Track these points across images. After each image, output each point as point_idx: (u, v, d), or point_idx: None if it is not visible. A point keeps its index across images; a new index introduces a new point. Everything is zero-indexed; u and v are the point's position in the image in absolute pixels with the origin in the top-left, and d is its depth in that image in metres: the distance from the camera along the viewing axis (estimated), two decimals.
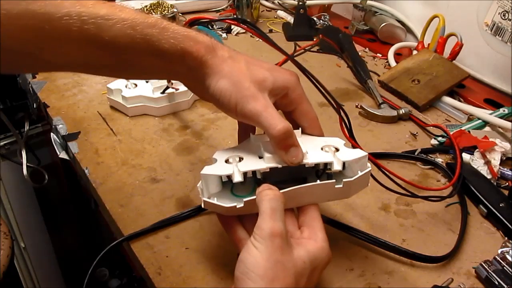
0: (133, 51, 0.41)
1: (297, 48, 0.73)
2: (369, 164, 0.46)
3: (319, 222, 0.44)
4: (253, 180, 0.47)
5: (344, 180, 0.44)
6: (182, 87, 0.76)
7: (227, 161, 0.45)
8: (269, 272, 0.37)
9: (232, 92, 0.43)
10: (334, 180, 0.45)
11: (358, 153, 0.46)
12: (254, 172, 0.44)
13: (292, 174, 0.47)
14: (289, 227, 0.43)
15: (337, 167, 0.45)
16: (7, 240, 0.96)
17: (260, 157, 0.46)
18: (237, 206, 0.43)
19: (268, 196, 0.41)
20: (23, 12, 0.35)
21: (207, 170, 0.44)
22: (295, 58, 0.52)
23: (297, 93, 0.47)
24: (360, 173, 0.45)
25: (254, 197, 0.42)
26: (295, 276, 0.38)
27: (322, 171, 0.47)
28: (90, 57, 0.40)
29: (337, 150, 0.47)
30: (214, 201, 0.43)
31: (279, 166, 0.44)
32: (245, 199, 0.42)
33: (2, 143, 1.19)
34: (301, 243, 0.41)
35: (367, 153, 0.46)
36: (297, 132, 0.47)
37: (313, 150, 0.46)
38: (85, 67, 0.43)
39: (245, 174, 0.44)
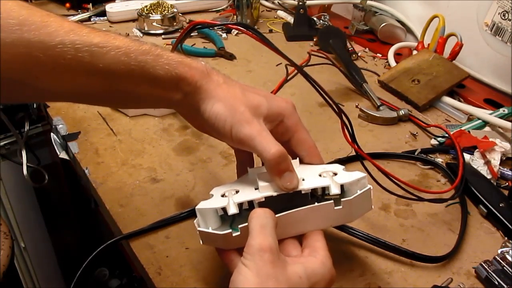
0: (128, 79, 0.41)
1: (289, 71, 0.73)
2: (370, 185, 0.44)
3: (321, 243, 0.42)
4: None
5: (342, 200, 0.43)
6: None
7: (223, 195, 0.45)
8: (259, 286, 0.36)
9: (228, 116, 0.43)
10: (332, 201, 0.43)
11: (356, 175, 0.44)
12: (252, 205, 0.43)
13: (290, 203, 0.45)
14: (291, 252, 0.42)
15: (334, 190, 0.43)
16: (7, 240, 0.96)
17: (257, 189, 0.44)
18: (233, 234, 0.41)
19: (256, 214, 0.40)
20: (17, 41, 0.36)
21: (202, 204, 0.43)
22: (290, 59, 0.51)
23: (293, 120, 0.47)
24: (359, 192, 0.43)
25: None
26: None
27: (321, 197, 0.46)
28: (85, 85, 0.40)
29: (335, 174, 0.45)
30: (209, 229, 0.42)
31: (274, 194, 0.43)
32: (240, 226, 0.41)
33: (2, 143, 1.19)
34: (299, 261, 0.40)
35: (365, 174, 0.45)
36: (295, 162, 0.46)
37: (311, 177, 0.45)
38: (81, 96, 0.43)
39: (241, 206, 0.42)
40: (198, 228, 0.43)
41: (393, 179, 0.54)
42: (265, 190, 0.43)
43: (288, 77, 0.73)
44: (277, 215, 0.42)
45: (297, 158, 0.47)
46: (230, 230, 0.41)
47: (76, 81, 0.40)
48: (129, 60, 0.40)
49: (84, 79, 0.40)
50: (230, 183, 0.47)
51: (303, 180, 0.44)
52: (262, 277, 0.36)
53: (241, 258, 0.38)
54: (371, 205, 0.46)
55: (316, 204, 0.43)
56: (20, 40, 0.36)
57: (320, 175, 0.45)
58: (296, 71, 0.72)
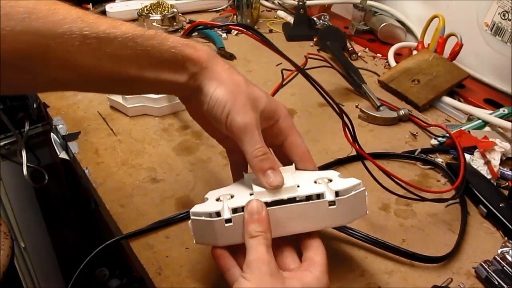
0: (135, 63, 0.42)
1: (285, 76, 0.74)
2: (364, 188, 0.45)
3: (321, 257, 0.42)
4: None
5: (337, 198, 0.43)
6: None
7: (218, 199, 0.45)
8: None
9: (228, 101, 0.43)
10: (326, 199, 0.43)
11: (352, 182, 0.44)
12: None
13: None
14: (290, 266, 0.43)
15: (329, 197, 0.43)
16: (7, 240, 0.96)
17: (252, 194, 0.45)
18: (226, 224, 0.42)
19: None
20: (26, 29, 0.36)
21: (196, 208, 0.44)
22: (291, 59, 0.51)
23: (287, 123, 0.48)
24: (353, 192, 0.43)
25: (242, 213, 0.42)
26: None
27: None
28: (94, 71, 0.41)
29: (330, 181, 0.45)
30: (202, 217, 0.42)
31: (269, 200, 0.43)
32: (234, 215, 0.42)
33: (2, 143, 1.19)
34: (296, 275, 0.41)
35: (360, 181, 0.45)
36: (291, 168, 0.47)
37: (306, 183, 0.45)
38: (90, 83, 0.44)
39: (235, 211, 0.43)
40: (192, 217, 0.43)
41: (395, 178, 0.54)
42: (259, 196, 0.43)
43: (284, 82, 0.73)
44: (271, 208, 0.42)
45: (293, 164, 0.48)
46: (223, 217, 0.42)
47: (85, 67, 0.40)
48: (136, 46, 0.41)
49: (93, 65, 0.40)
50: (225, 188, 0.47)
51: (298, 186, 0.44)
52: None
53: (241, 273, 0.39)
54: (366, 209, 0.45)
55: (310, 201, 0.43)
56: (29, 28, 0.36)
57: (315, 182, 0.45)
58: (295, 72, 0.73)
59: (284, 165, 0.49)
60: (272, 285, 0.38)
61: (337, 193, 0.43)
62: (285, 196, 0.43)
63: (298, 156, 0.48)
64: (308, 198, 0.44)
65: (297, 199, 0.43)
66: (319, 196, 0.44)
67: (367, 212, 0.46)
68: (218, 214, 0.42)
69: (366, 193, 0.45)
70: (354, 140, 0.53)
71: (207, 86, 0.44)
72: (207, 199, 0.46)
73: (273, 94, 0.71)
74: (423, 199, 0.57)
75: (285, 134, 0.48)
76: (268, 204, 0.43)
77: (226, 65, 0.46)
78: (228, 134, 0.45)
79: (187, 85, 0.45)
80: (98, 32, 0.39)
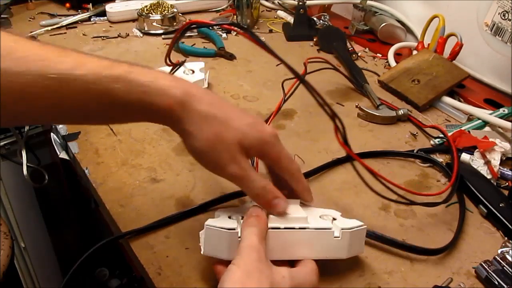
0: (99, 105, 0.40)
1: (286, 90, 0.75)
2: (365, 226, 0.48)
3: (311, 262, 0.44)
4: None
5: (342, 230, 0.45)
6: None
7: (230, 217, 0.47)
8: (244, 279, 0.38)
9: (212, 156, 0.43)
10: (332, 230, 0.45)
11: (355, 223, 0.47)
12: None
13: None
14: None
15: (336, 234, 0.46)
16: (7, 240, 0.96)
17: None
18: (239, 238, 0.43)
19: (249, 223, 0.42)
20: None
21: (211, 222, 0.44)
22: (286, 62, 0.51)
23: (276, 150, 0.46)
24: (356, 228, 0.46)
25: None
26: (271, 284, 0.38)
27: None
28: (56, 110, 0.40)
29: (334, 219, 0.48)
30: (216, 228, 0.43)
31: (281, 226, 0.44)
32: None
33: (2, 143, 1.19)
34: (285, 267, 0.42)
35: (362, 223, 0.48)
36: (296, 206, 0.49)
37: (313, 217, 0.47)
38: (55, 119, 0.43)
39: None
40: (206, 223, 0.44)
41: (385, 181, 0.53)
42: (272, 221, 0.45)
43: (286, 97, 0.74)
44: (271, 229, 0.44)
45: (298, 200, 0.50)
46: (237, 231, 0.43)
47: (47, 106, 0.39)
48: (97, 87, 0.39)
49: (54, 104, 0.39)
50: (234, 208, 0.50)
51: (307, 217, 0.46)
52: (247, 272, 0.38)
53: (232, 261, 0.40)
54: (363, 248, 0.49)
55: (317, 230, 0.45)
56: None
57: (320, 217, 0.48)
58: (296, 83, 0.73)
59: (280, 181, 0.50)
60: (260, 270, 0.39)
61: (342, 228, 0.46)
62: (296, 225, 0.45)
63: (289, 176, 0.48)
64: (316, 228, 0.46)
65: (307, 230, 0.45)
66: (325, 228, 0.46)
67: (364, 251, 0.50)
68: (232, 230, 0.44)
69: (366, 227, 0.48)
70: (345, 141, 0.52)
71: (189, 140, 0.44)
72: (219, 215, 0.47)
73: (277, 111, 0.72)
74: (412, 203, 0.56)
75: (275, 161, 0.47)
76: (279, 229, 0.45)
77: (204, 107, 0.43)
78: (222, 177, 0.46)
79: (164, 124, 0.44)
80: (58, 72, 0.38)
